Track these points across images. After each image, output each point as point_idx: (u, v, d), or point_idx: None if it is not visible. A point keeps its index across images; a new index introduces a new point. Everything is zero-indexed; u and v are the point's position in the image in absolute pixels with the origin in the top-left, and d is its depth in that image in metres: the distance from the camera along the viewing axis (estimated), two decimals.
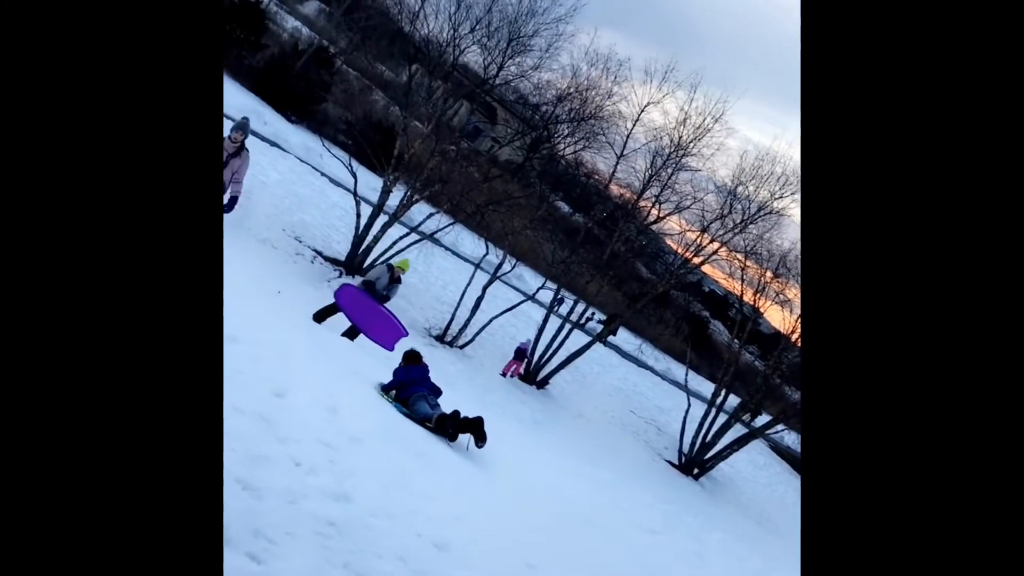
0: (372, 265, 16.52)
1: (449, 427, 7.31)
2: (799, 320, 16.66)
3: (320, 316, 10.79)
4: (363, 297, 10.84)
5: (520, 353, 18.23)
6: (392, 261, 11.91)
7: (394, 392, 7.80)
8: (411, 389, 7.76)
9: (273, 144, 21.35)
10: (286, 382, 5.57)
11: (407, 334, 10.95)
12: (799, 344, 17.10)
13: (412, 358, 8.38)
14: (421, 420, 7.47)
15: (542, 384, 18.43)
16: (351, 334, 10.64)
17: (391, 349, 10.37)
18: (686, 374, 20.86)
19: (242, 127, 9.41)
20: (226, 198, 8.88)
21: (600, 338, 19.79)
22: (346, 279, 15.70)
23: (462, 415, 7.45)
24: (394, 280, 11.43)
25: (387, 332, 10.59)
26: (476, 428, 7.42)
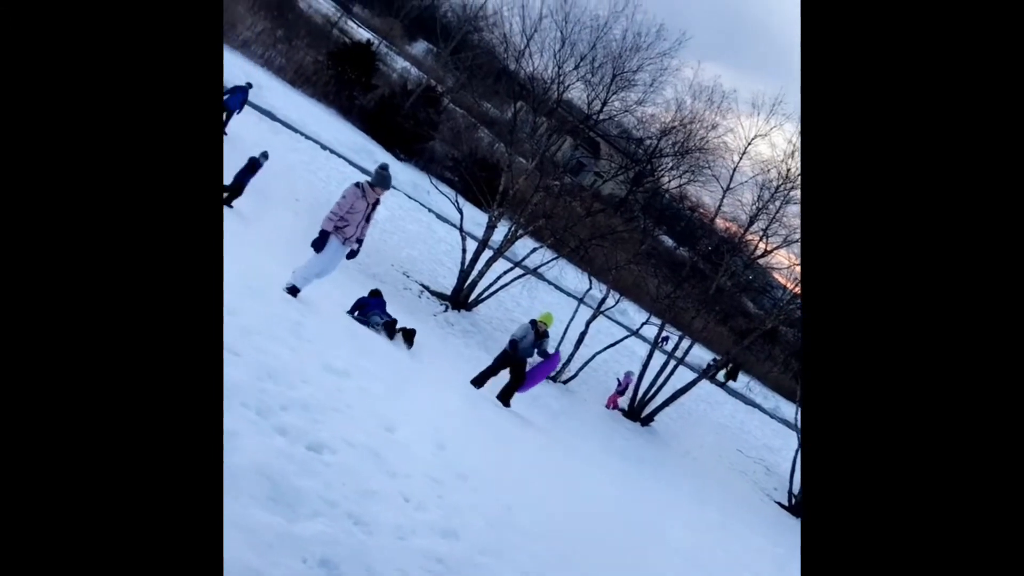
0: (478, 300, 16.74)
1: (391, 331, 10.46)
2: None
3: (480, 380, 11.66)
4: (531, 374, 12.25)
5: (623, 387, 18.09)
6: (535, 317, 12.03)
7: (357, 312, 10.81)
8: (369, 309, 10.91)
9: None
10: (395, 417, 5.64)
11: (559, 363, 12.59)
12: None
13: (375, 294, 11.56)
14: (372, 326, 10.35)
15: (647, 421, 18.15)
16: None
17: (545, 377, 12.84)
18: (796, 412, 20.24)
19: (386, 181, 8.83)
20: (354, 245, 8.56)
21: (720, 382, 19.29)
22: (451, 313, 15.90)
23: (399, 326, 10.72)
24: (541, 335, 11.49)
25: (540, 371, 12.26)
26: (409, 335, 10.70)
